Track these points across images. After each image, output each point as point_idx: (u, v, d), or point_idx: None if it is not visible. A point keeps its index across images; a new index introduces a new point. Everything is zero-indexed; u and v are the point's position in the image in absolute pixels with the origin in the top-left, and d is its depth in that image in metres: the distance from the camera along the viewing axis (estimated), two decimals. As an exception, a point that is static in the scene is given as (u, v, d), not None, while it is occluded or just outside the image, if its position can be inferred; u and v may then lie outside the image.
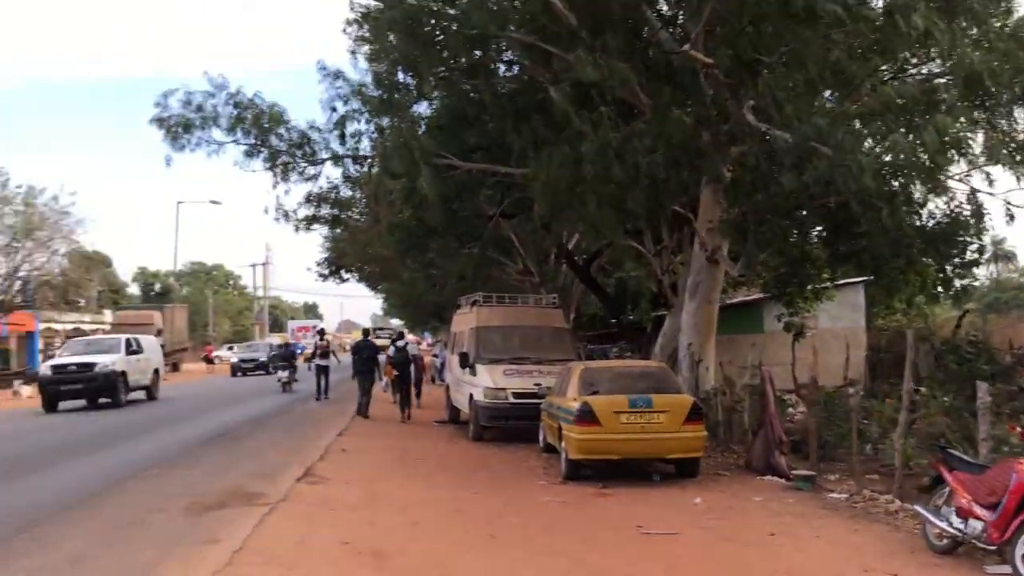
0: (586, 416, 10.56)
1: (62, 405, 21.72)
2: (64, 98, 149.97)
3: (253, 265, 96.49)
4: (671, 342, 16.14)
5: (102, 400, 21.93)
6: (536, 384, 14.59)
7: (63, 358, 23.08)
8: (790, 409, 13.94)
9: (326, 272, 48.84)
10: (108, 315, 59.84)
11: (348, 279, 50.25)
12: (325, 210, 20.19)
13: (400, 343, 19.99)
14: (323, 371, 23.55)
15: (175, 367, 52.67)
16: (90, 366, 21.75)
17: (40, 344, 60.04)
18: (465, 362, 15.98)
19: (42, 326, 61.69)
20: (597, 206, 11.05)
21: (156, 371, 26.09)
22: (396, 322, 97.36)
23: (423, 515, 8.55)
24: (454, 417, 18.29)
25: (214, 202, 55.64)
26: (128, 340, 24.53)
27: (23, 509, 8.63)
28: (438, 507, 9.05)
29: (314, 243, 63.13)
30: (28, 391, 29.90)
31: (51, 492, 9.77)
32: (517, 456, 13.29)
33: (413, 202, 17.76)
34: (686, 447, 10.74)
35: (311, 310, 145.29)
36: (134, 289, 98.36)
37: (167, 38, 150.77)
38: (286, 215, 19.27)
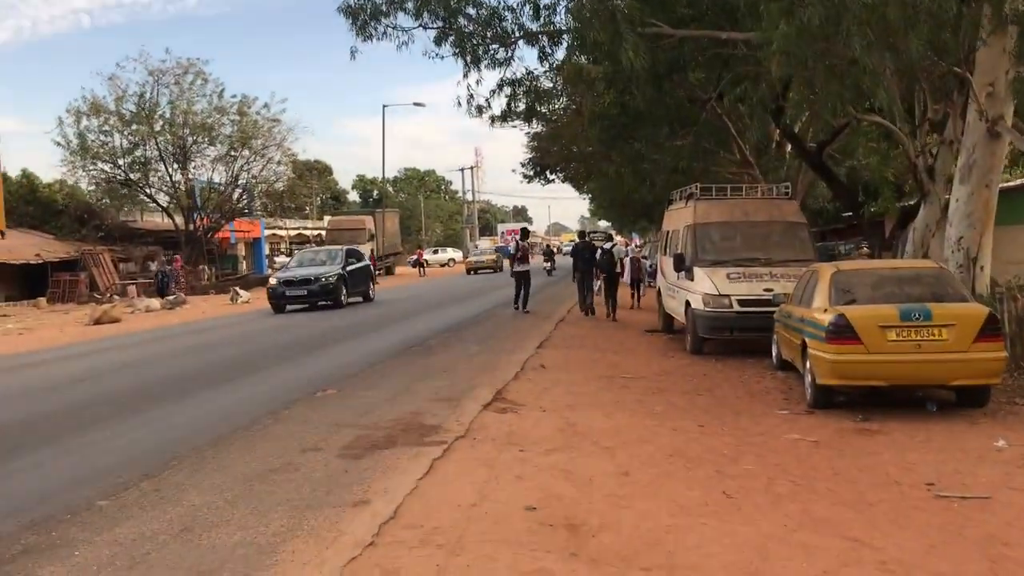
0: (842, 332, 8.25)
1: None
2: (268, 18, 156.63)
3: (462, 169, 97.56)
4: (925, 236, 13.27)
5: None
6: (767, 290, 12.31)
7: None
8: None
9: (531, 173, 47.78)
10: (327, 221, 61.93)
11: (553, 179, 48.92)
12: (520, 96, 18.22)
13: (607, 245, 20.51)
14: (523, 278, 20.42)
15: (388, 271, 53.81)
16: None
17: (266, 249, 63.52)
18: (680, 265, 13.86)
19: (267, 232, 65.20)
20: (867, 49, 8.38)
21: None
22: (604, 223, 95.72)
23: (634, 460, 6.67)
24: (667, 325, 16.41)
25: (418, 104, 54.94)
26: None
27: (174, 439, 7.60)
28: (653, 447, 7.13)
29: (520, 143, 61.93)
30: (245, 295, 30.76)
31: (217, 413, 8.78)
32: (746, 375, 11.14)
33: (617, 86, 15.58)
34: (978, 371, 8.17)
35: (520, 213, 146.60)
36: (354, 196, 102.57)
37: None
38: (479, 109, 17.50)
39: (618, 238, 73.56)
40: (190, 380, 11.37)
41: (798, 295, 10.18)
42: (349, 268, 24.76)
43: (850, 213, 21.91)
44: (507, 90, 17.47)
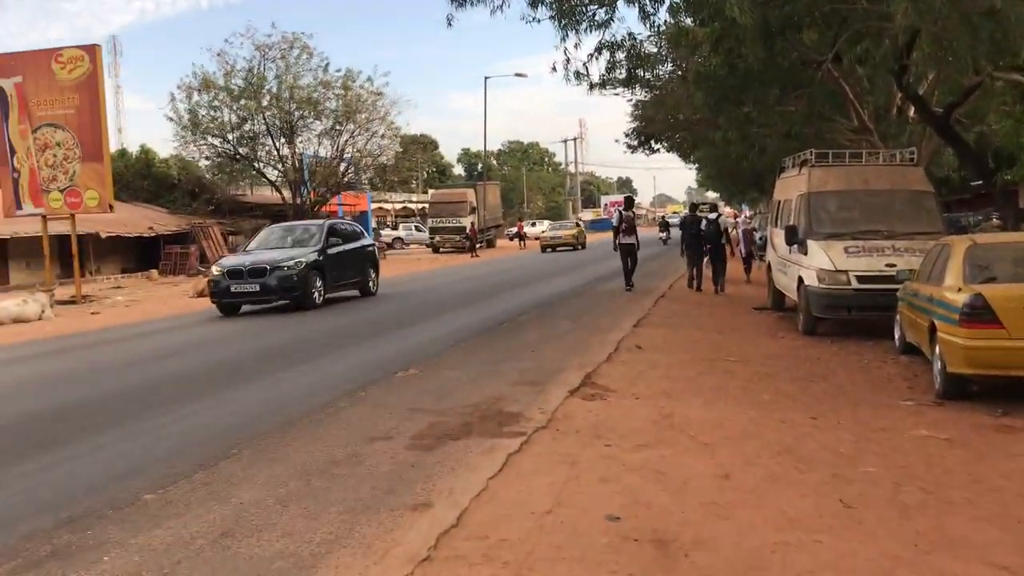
0: (979, 314, 7.24)
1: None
2: None
3: (565, 141, 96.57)
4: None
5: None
6: (889, 265, 11.20)
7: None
8: None
9: (634, 143, 46.61)
10: (430, 194, 62.09)
11: (658, 149, 47.55)
12: (621, 61, 17.29)
13: (711, 216, 19.65)
14: (629, 252, 18.34)
15: (490, 243, 53.57)
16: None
17: (372, 223, 64.27)
18: (793, 237, 12.82)
19: (374, 206, 65.92)
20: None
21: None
22: (711, 195, 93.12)
23: (736, 459, 5.89)
24: (777, 302, 15.36)
25: (519, 75, 54.32)
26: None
27: (242, 422, 7.20)
28: (759, 444, 6.33)
29: (624, 113, 60.49)
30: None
31: (292, 394, 8.35)
32: (864, 359, 10.13)
33: (724, 46, 14.50)
34: None
35: (625, 185, 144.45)
36: (459, 169, 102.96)
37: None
38: (577, 74, 16.66)
39: (726, 209, 71.52)
40: (270, 358, 11.06)
41: (926, 272, 9.12)
42: (331, 251, 17.54)
43: (979, 182, 20.23)
44: (606, 54, 16.57)
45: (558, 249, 42.59)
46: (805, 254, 12.45)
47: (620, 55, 16.73)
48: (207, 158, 44.01)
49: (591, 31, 15.96)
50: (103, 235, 33.75)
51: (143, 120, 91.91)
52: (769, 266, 16.12)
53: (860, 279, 11.48)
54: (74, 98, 22.02)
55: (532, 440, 6.19)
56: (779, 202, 15.77)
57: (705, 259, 19.43)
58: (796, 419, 7.19)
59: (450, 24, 15.61)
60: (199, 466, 5.73)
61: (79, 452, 6.47)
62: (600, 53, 16.35)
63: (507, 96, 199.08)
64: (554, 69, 16.41)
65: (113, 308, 21.18)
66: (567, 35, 15.61)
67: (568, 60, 16.13)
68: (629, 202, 19.88)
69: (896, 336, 10.45)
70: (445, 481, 5.19)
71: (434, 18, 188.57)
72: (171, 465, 5.79)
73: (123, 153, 47.07)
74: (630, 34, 16.25)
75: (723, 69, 15.78)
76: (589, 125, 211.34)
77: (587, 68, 16.47)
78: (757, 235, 25.37)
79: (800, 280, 12.59)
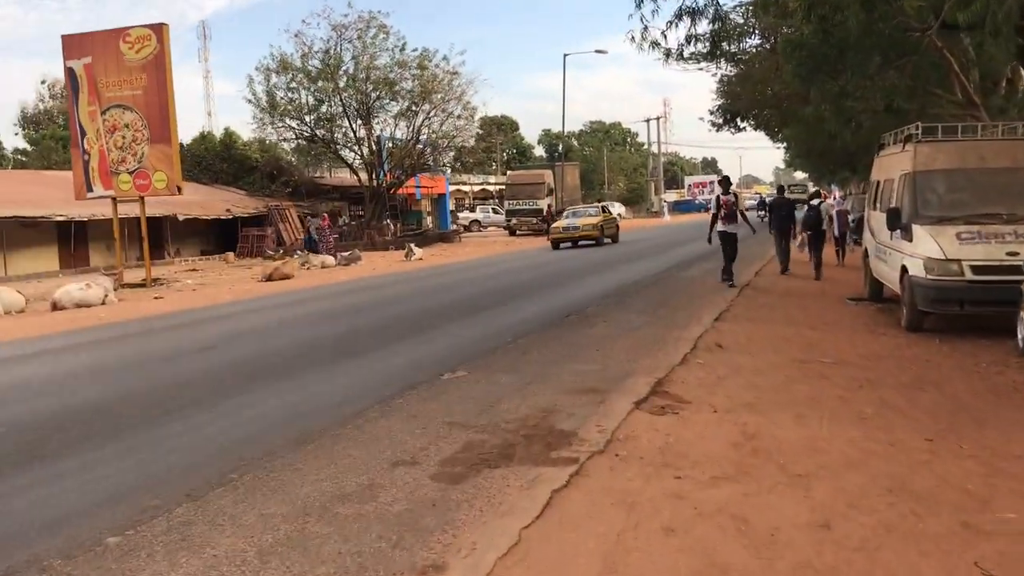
0: None
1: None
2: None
3: (647, 120, 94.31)
4: None
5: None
6: (1011, 254, 9.81)
7: None
8: None
9: (719, 121, 44.89)
10: (507, 176, 61.12)
11: (744, 127, 45.69)
12: (704, 32, 15.93)
13: (814, 202, 19.26)
14: (730, 242, 15.74)
15: (568, 226, 52.45)
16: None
17: (451, 205, 63.74)
18: (895, 222, 11.42)
19: (452, 188, 65.36)
20: None
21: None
22: (800, 175, 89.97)
23: (838, 499, 4.75)
24: (874, 293, 13.95)
25: (599, 51, 52.41)
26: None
27: (252, 435, 6.36)
28: (864, 477, 5.16)
29: (709, 90, 58.01)
30: (419, 252, 30.20)
31: (318, 399, 7.52)
32: (981, 363, 8.76)
33: (818, 11, 13.10)
34: None
35: (709, 165, 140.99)
36: (540, 151, 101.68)
37: None
38: (653, 43, 15.36)
39: (814, 190, 68.64)
40: (310, 353, 10.30)
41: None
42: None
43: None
44: (686, 21, 15.23)
45: (579, 244, 31.62)
46: (910, 240, 11.06)
47: (703, 23, 15.36)
48: (284, 140, 44.04)
49: (672, -5, 14.72)
50: (180, 217, 33.87)
51: (232, 105, 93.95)
52: (866, 252, 14.66)
53: (976, 269, 10.07)
54: (141, 78, 21.75)
55: (585, 470, 5.14)
56: (878, 182, 14.28)
57: (799, 240, 19.73)
58: (907, 441, 5.98)
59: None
60: (186, 496, 4.86)
61: (63, 470, 5.70)
62: (680, 20, 15.03)
63: (589, 77, 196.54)
64: (631, 39, 15.16)
65: (179, 292, 20.89)
66: (643, 1, 14.43)
67: (645, 28, 14.88)
68: (726, 183, 16.71)
69: (1020, 336, 9.06)
70: (469, 530, 4.18)
71: (511, 4, 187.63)
72: (155, 494, 4.94)
73: (204, 136, 47.45)
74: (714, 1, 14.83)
75: (816, 37, 14.36)
76: (673, 104, 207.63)
77: (665, 36, 15.14)
78: (851, 217, 23.71)
79: (904, 270, 11.21)
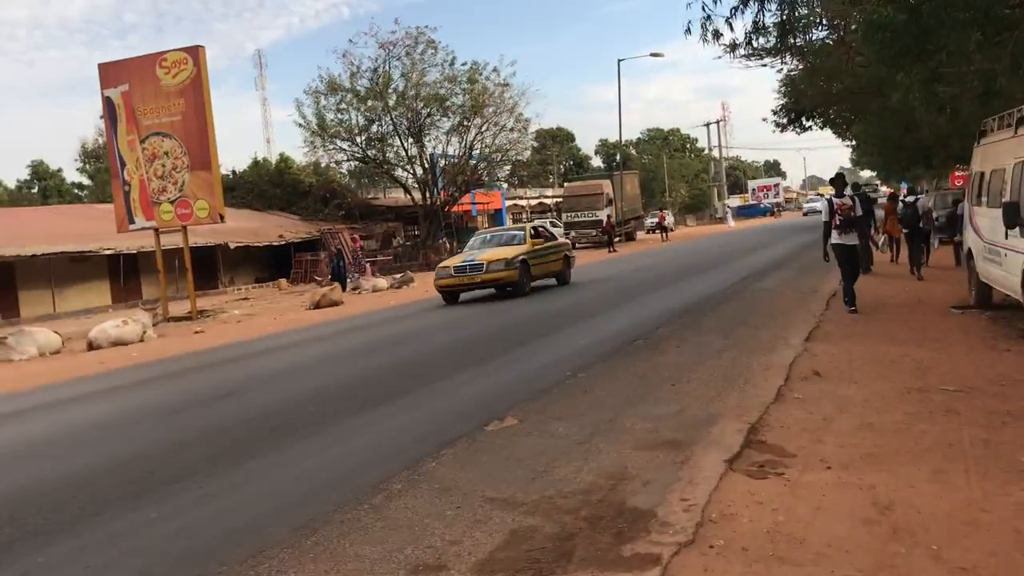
0: None
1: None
2: None
3: (707, 124, 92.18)
4: None
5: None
6: None
7: None
8: None
9: (783, 121, 43.11)
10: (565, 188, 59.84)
11: (810, 126, 43.81)
12: (769, 22, 14.38)
13: (909, 199, 18.58)
14: (849, 256, 12.60)
15: (628, 236, 50.80)
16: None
17: (508, 220, 62.65)
18: (1015, 217, 9.78)
19: (508, 203, 64.33)
20: None
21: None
22: (866, 173, 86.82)
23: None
24: (983, 299, 12.25)
25: (655, 54, 50.75)
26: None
27: (252, 517, 5.11)
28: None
29: (770, 91, 56.13)
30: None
31: (331, 467, 6.18)
32: None
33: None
34: None
35: (772, 168, 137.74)
36: (597, 161, 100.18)
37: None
38: (716, 33, 13.86)
39: (883, 188, 65.84)
40: (336, 399, 8.92)
41: None
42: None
43: None
44: (754, 6, 13.72)
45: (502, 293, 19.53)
46: (1035, 239, 9.44)
47: (771, 9, 13.84)
48: (336, 162, 43.49)
49: (735, -20, 13.32)
50: (232, 246, 33.32)
51: (290, 131, 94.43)
52: (969, 254, 12.94)
53: None
54: (180, 104, 21.02)
55: (669, 573, 3.76)
56: (981, 174, 12.59)
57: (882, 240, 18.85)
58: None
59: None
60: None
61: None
62: (745, 5, 13.55)
63: (644, 85, 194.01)
64: (688, 31, 13.67)
65: (223, 324, 20.01)
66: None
67: (707, 17, 13.40)
68: (840, 182, 13.12)
69: None
70: None
71: (566, 12, 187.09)
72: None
73: (257, 163, 47.22)
74: (784, -17, 13.31)
75: (904, 13, 12.79)
76: (732, 108, 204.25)
77: (730, 25, 13.64)
78: (934, 214, 21.86)
79: (1027, 273, 9.58)
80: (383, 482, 5.47)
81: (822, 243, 12.98)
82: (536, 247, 19.83)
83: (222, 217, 21.85)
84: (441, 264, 20.46)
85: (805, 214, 76.97)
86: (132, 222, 22.09)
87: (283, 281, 34.57)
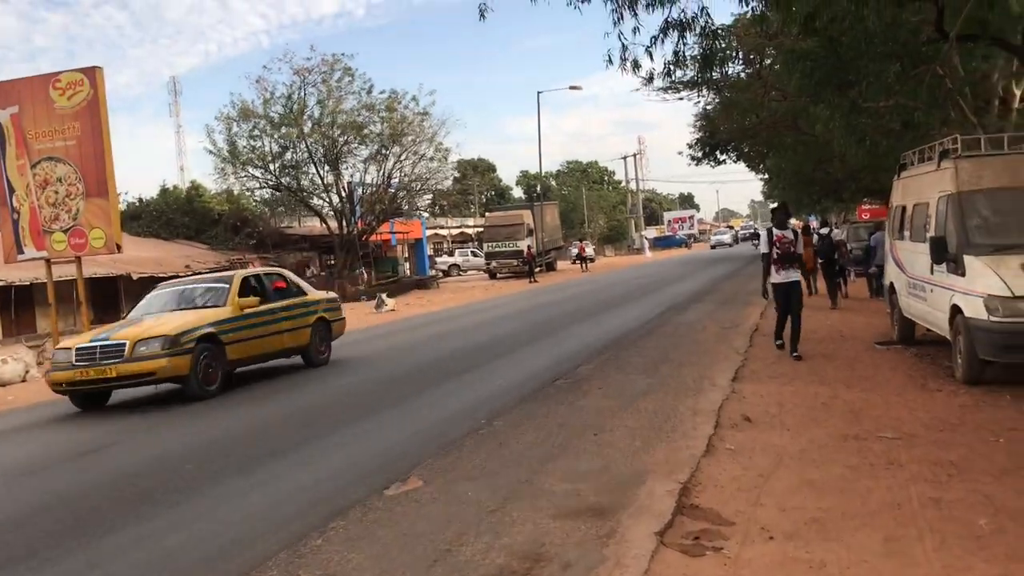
0: None
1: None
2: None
3: (624, 157, 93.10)
4: None
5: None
6: (1096, 289, 7.87)
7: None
8: None
9: (699, 155, 43.67)
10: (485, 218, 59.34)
11: (724, 160, 44.47)
12: (690, 49, 13.99)
13: (823, 230, 19.03)
14: (789, 294, 11.24)
15: (549, 267, 50.48)
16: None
17: (429, 250, 61.75)
18: (941, 253, 9.52)
19: (429, 232, 63.44)
20: None
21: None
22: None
23: None
24: (906, 335, 12.06)
25: (574, 87, 51.02)
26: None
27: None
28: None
29: (686, 125, 56.73)
30: (391, 303, 28.07)
31: (190, 548, 5.37)
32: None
33: (821, 19, 11.36)
34: None
35: (687, 200, 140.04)
36: (518, 192, 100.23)
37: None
38: (636, 63, 13.42)
39: (793, 221, 67.51)
40: (214, 458, 7.71)
41: None
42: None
43: None
44: (674, 35, 13.33)
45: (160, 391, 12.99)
46: (962, 275, 9.17)
47: (690, 39, 13.45)
48: (248, 190, 42.11)
49: (654, 7, 12.89)
50: (135, 276, 31.61)
51: (205, 159, 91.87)
52: (892, 288, 12.74)
53: (1054, 309, 8.16)
54: (75, 127, 19.61)
55: None
56: (902, 207, 12.43)
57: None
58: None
59: (483, 16, 12.71)
60: None
61: None
62: (666, 34, 13.13)
63: (564, 118, 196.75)
64: (608, 61, 13.18)
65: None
66: (622, 16, 12.61)
67: (625, 47, 12.95)
68: (782, 214, 11.83)
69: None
70: None
71: (486, 50, 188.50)
72: None
73: (165, 191, 45.42)
74: (703, 9, 12.92)
75: (823, 46, 12.62)
76: (648, 142, 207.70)
77: (650, 54, 13.21)
78: (849, 247, 22.05)
79: (956, 310, 9.30)
80: (256, 567, 4.59)
81: (762, 277, 11.90)
82: (247, 311, 12.35)
83: (119, 247, 20.40)
84: (61, 344, 12.66)
85: (713, 247, 77.26)
86: (21, 252, 20.48)
87: (189, 314, 32.96)
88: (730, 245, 77.59)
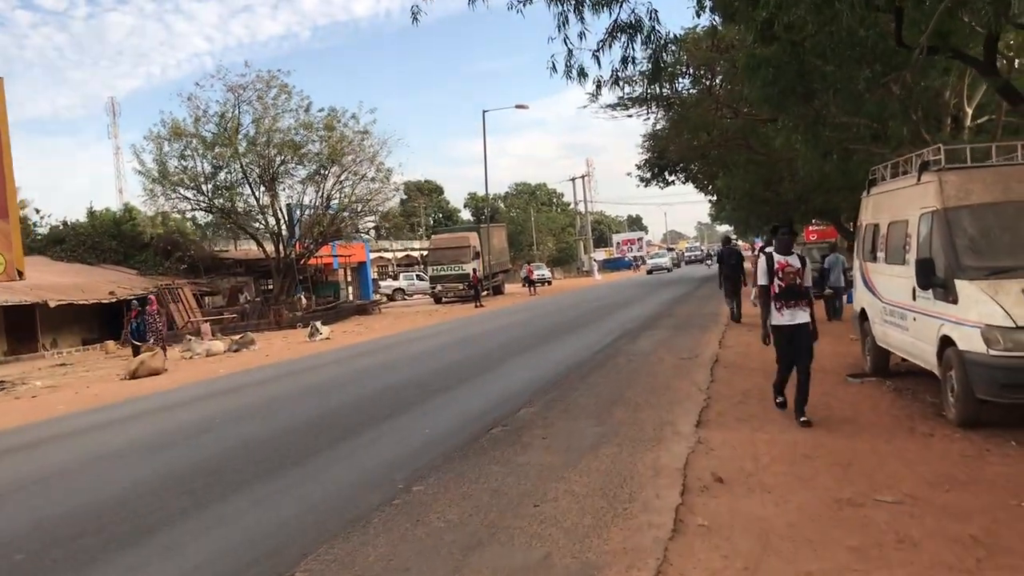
0: None
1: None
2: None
3: (572, 179, 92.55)
4: None
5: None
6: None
7: None
8: None
9: (647, 176, 43.02)
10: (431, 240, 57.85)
11: (673, 181, 43.88)
12: (640, 60, 12.80)
13: (768, 250, 17.39)
14: (795, 340, 8.56)
15: (496, 290, 49.12)
16: None
17: (372, 273, 59.95)
18: (928, 277, 8.39)
19: (373, 255, 61.70)
20: None
21: None
22: (724, 228, 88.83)
23: None
24: (879, 365, 10.97)
25: (520, 106, 49.85)
26: None
27: None
28: None
29: (634, 146, 55.81)
30: (325, 331, 26.40)
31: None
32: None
33: (779, 23, 10.34)
34: None
35: (635, 223, 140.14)
36: (466, 214, 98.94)
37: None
38: (581, 72, 12.20)
39: (739, 243, 67.67)
40: (71, 538, 6.27)
41: None
42: None
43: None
44: (622, 39, 12.16)
45: None
46: (953, 302, 8.04)
47: (638, 50, 12.27)
48: (179, 212, 40.09)
49: (600, 9, 11.76)
50: (52, 304, 29.50)
51: (139, 182, 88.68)
52: (863, 315, 11.64)
53: (1063, 341, 7.07)
54: (-31, 143, 17.95)
55: None
56: (873, 227, 11.38)
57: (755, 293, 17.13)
58: None
59: (415, 19, 11.48)
60: None
61: None
62: (615, 38, 11.95)
63: (512, 141, 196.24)
64: (552, 69, 11.95)
65: (15, 401, 16.78)
66: (567, 19, 11.49)
67: (570, 52, 11.74)
68: (786, 231, 9.04)
69: None
70: None
71: (435, 69, 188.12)
72: None
73: (92, 213, 43.20)
74: (652, 12, 11.73)
75: (785, 52, 11.54)
76: (596, 164, 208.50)
77: (597, 60, 11.98)
78: (806, 268, 21.15)
79: (946, 342, 8.16)
80: None
81: (761, 318, 9.11)
82: None
83: (20, 273, 18.73)
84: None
85: (649, 272, 67.36)
86: (-92, 279, 18.68)
87: (111, 343, 30.82)
88: (669, 270, 67.44)
